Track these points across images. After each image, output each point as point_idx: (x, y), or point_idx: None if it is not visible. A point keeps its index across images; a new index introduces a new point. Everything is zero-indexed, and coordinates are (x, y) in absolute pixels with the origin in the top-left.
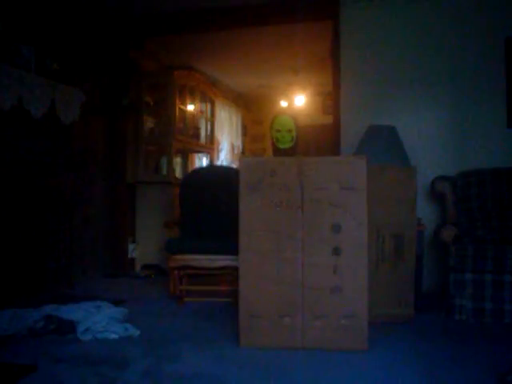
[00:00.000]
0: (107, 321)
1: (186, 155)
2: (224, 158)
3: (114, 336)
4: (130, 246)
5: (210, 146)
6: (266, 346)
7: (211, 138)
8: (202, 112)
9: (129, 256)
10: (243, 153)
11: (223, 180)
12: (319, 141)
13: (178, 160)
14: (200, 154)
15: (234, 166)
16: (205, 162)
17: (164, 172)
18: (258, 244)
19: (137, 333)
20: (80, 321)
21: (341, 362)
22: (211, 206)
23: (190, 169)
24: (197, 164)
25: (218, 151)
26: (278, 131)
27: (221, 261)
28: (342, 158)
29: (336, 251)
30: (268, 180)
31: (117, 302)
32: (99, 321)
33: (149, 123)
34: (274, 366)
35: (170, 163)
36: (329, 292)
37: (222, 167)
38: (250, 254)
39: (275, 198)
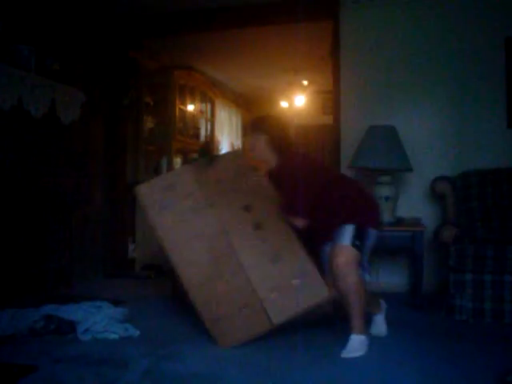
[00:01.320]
0: (107, 321)
1: (186, 155)
2: None
3: (113, 336)
4: (130, 246)
5: (210, 146)
6: (244, 339)
7: (211, 138)
8: (202, 112)
9: (129, 256)
10: None
11: None
12: (319, 141)
13: (177, 160)
14: None
15: None
16: None
17: (164, 172)
18: (188, 254)
19: (137, 333)
20: (80, 321)
21: (340, 362)
22: None
23: None
24: None
25: (218, 151)
26: None
27: None
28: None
29: (257, 226)
30: (170, 194)
31: (117, 302)
32: (99, 321)
33: (149, 123)
34: (274, 365)
35: (170, 163)
36: (270, 263)
37: None
38: (185, 266)
39: (183, 207)
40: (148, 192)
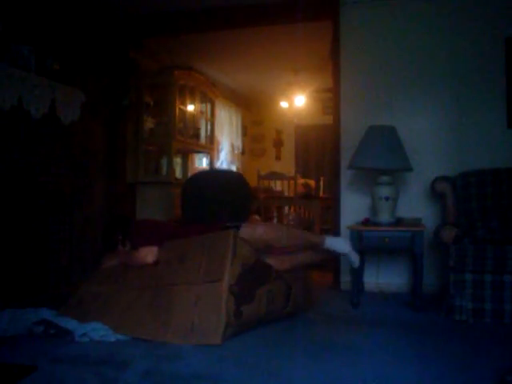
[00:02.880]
0: (105, 332)
1: (186, 155)
2: (224, 159)
3: (112, 339)
4: None
5: (210, 146)
6: (222, 323)
7: (211, 138)
8: (202, 112)
9: None
10: (243, 153)
11: (226, 184)
12: (319, 141)
13: (178, 160)
14: (200, 154)
15: (234, 167)
16: (205, 162)
17: (164, 172)
18: None
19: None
20: (77, 328)
21: (340, 361)
22: (213, 210)
23: (190, 169)
24: (197, 164)
25: (218, 151)
26: None
27: None
28: None
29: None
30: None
31: None
32: (98, 329)
33: (149, 123)
34: (274, 365)
35: (170, 163)
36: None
37: (223, 171)
38: None
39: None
40: None
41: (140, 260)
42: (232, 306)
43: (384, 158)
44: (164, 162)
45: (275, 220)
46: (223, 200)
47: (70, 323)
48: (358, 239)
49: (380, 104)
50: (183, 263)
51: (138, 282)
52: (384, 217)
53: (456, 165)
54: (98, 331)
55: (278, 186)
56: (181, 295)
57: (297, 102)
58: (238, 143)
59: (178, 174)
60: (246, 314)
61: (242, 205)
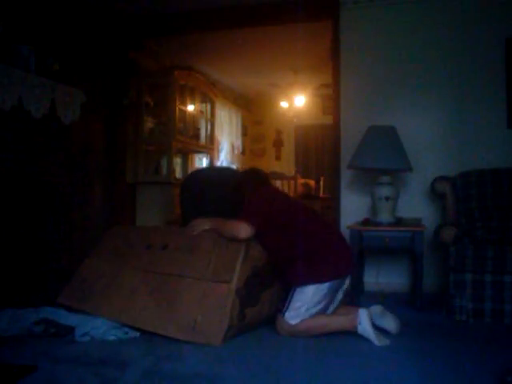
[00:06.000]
0: (106, 327)
1: (186, 155)
2: (224, 159)
3: (113, 338)
4: None
5: (210, 146)
6: (224, 324)
7: (211, 138)
8: (202, 112)
9: None
10: (243, 153)
11: (224, 182)
12: (319, 141)
13: (178, 160)
14: (200, 154)
15: (234, 167)
16: (205, 162)
17: (164, 172)
18: None
19: (137, 335)
20: (78, 325)
21: (340, 362)
22: (213, 208)
23: (190, 169)
24: (197, 164)
25: (218, 151)
26: None
27: None
28: None
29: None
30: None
31: None
32: (99, 326)
33: (149, 123)
34: (274, 366)
35: (170, 163)
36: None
37: (221, 168)
38: None
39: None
40: None
41: (233, 232)
42: (236, 309)
43: (384, 158)
44: (164, 162)
45: None
46: (222, 197)
47: (70, 319)
48: (358, 239)
49: (380, 104)
50: (193, 254)
51: (144, 264)
52: (384, 217)
53: (456, 165)
54: (98, 329)
55: (278, 186)
56: (186, 289)
57: (297, 102)
58: (238, 143)
59: (178, 174)
60: (249, 317)
61: (240, 201)
